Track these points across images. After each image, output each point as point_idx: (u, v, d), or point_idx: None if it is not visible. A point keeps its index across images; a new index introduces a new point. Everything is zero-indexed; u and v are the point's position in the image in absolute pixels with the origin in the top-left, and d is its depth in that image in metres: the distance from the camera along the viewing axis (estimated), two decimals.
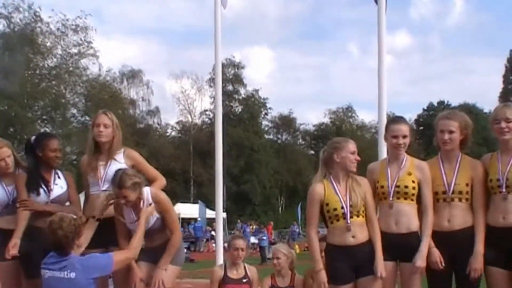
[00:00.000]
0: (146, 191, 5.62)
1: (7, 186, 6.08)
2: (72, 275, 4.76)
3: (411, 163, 5.51)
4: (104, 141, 6.06)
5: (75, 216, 4.87)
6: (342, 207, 5.33)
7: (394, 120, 5.70)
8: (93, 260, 4.97)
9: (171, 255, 5.76)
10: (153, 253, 5.79)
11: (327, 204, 5.38)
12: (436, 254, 5.31)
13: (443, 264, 5.30)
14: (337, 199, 5.35)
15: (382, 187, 5.45)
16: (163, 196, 5.76)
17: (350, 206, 5.32)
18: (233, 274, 6.16)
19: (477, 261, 5.23)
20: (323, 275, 5.31)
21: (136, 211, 5.62)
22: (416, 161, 5.56)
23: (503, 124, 5.29)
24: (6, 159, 6.06)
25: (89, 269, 4.83)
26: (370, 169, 5.70)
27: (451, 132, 5.39)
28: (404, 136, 5.46)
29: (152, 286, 5.63)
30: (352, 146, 5.46)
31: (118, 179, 5.49)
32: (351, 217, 5.32)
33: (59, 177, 6.14)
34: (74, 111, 51.23)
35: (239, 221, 46.90)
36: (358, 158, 5.45)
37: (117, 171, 5.63)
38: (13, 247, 5.69)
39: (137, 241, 5.25)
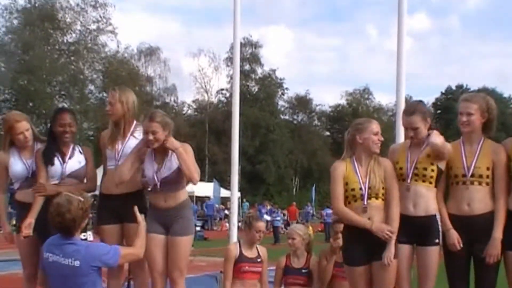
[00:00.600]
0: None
1: (26, 159, 6.18)
2: (77, 263, 4.67)
3: None
4: (113, 120, 6.16)
5: (82, 199, 4.78)
6: (360, 188, 5.31)
7: (406, 110, 5.59)
8: (100, 250, 4.87)
9: (188, 162, 5.78)
10: (163, 217, 5.86)
11: (346, 184, 5.37)
12: (454, 236, 5.29)
13: (461, 245, 5.27)
14: (356, 180, 5.34)
15: (401, 168, 5.43)
16: (188, 146, 5.92)
17: (369, 188, 5.30)
18: (249, 253, 6.17)
19: (494, 247, 5.20)
20: (377, 224, 5.24)
21: (160, 160, 5.79)
22: None
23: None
24: (25, 133, 6.15)
25: (94, 258, 4.73)
26: (391, 150, 5.69)
27: (469, 114, 5.34)
28: (414, 128, 5.39)
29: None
30: (375, 126, 5.43)
31: (150, 113, 5.73)
32: (368, 198, 5.30)
33: (80, 152, 6.21)
34: (92, 87, 51.51)
35: (244, 200, 46.39)
36: (382, 138, 5.43)
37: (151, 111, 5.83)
38: (27, 227, 5.79)
39: (142, 240, 5.18)
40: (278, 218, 31.70)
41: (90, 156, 6.31)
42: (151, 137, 5.70)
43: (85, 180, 6.22)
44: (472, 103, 5.38)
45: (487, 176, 5.33)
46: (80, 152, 6.23)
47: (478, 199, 5.31)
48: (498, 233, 5.22)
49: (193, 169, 5.82)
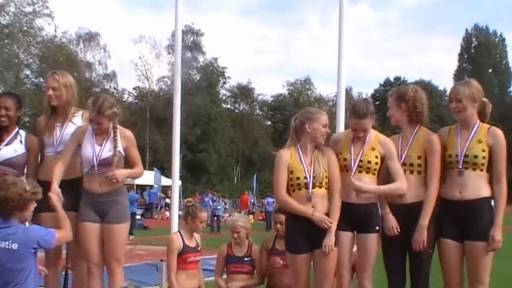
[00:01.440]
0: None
1: None
2: (15, 246, 4.63)
3: (376, 139, 5.56)
4: (54, 104, 6.05)
5: (28, 187, 4.73)
6: (305, 177, 5.36)
7: (357, 113, 5.47)
8: (38, 232, 4.86)
9: (130, 174, 5.99)
10: (98, 204, 5.80)
11: (291, 172, 5.41)
12: (392, 220, 5.41)
13: (399, 231, 5.39)
14: (301, 169, 5.39)
15: (344, 159, 5.50)
16: (130, 132, 6.01)
17: (313, 177, 5.35)
18: (190, 243, 6.19)
19: (419, 233, 5.34)
20: (318, 215, 5.31)
21: (100, 141, 5.78)
22: (380, 137, 5.60)
23: (453, 104, 5.43)
24: None
25: (32, 240, 4.71)
26: (334, 140, 5.73)
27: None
28: (364, 130, 5.47)
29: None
30: (324, 118, 5.48)
31: (100, 104, 5.65)
32: (313, 187, 5.36)
33: (20, 142, 6.00)
34: (28, 72, 50.43)
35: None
36: (329, 131, 5.48)
37: (98, 96, 5.83)
38: None
39: (66, 222, 5.19)
40: (219, 207, 31.76)
41: (34, 145, 6.08)
42: (95, 126, 5.73)
43: (25, 170, 6.06)
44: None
45: (419, 165, 5.47)
46: (21, 141, 6.01)
47: (409, 188, 5.43)
48: (423, 220, 5.35)
49: (137, 172, 6.04)
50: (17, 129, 6.06)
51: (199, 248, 6.24)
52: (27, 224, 5.03)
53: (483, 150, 5.31)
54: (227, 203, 42.63)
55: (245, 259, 6.23)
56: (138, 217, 26.86)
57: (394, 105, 5.60)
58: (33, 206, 4.85)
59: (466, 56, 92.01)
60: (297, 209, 5.36)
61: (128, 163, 6.04)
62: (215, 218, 29.68)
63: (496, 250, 5.23)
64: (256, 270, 6.22)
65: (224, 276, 6.38)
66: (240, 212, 33.75)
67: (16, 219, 4.77)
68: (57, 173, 5.69)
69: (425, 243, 5.35)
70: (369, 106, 5.58)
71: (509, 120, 63.08)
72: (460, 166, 5.33)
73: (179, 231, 6.35)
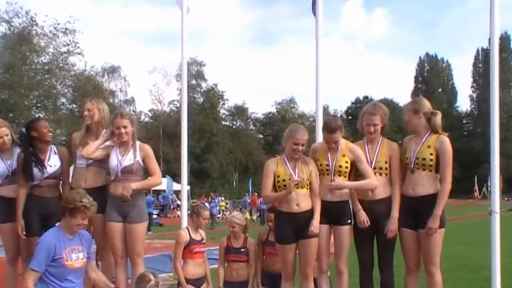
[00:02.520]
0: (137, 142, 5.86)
1: (6, 160, 5.98)
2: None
3: (346, 146, 5.51)
4: (89, 123, 6.08)
5: (83, 200, 4.66)
6: (290, 179, 5.29)
7: (328, 128, 5.41)
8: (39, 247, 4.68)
9: (146, 185, 5.97)
10: (120, 206, 5.73)
11: (278, 176, 5.36)
12: (363, 215, 5.39)
13: (369, 223, 5.38)
14: (287, 173, 5.33)
15: (321, 165, 5.46)
16: (148, 147, 5.96)
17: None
18: (196, 236, 6.11)
19: (392, 224, 5.34)
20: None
21: (123, 152, 5.77)
22: (350, 145, 5.55)
23: (404, 119, 5.52)
24: (4, 137, 5.98)
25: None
26: (312, 149, 5.68)
27: (375, 125, 5.47)
28: (335, 141, 5.42)
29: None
30: (299, 138, 5.33)
31: (120, 111, 5.81)
32: (296, 188, 5.30)
33: (54, 153, 5.99)
34: (64, 100, 50.57)
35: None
36: (300, 149, 5.35)
37: (116, 111, 5.94)
38: (21, 230, 5.81)
39: None
40: (216, 207, 31.75)
41: (65, 155, 6.08)
42: (122, 130, 5.72)
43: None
44: (376, 115, 5.48)
45: (386, 168, 5.45)
46: (55, 152, 6.01)
47: (379, 187, 5.42)
48: (395, 212, 5.36)
49: (152, 182, 5.98)
50: (50, 145, 6.04)
51: (203, 241, 6.16)
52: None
53: (431, 154, 5.28)
54: (228, 203, 42.40)
55: (242, 250, 6.14)
56: (154, 216, 26.66)
57: (380, 120, 5.52)
58: (81, 219, 4.69)
59: (420, 78, 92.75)
60: (278, 196, 5.35)
61: (147, 173, 5.99)
62: (211, 215, 29.48)
63: (430, 235, 5.18)
64: (250, 260, 6.14)
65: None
66: (240, 210, 33.72)
67: (64, 223, 4.71)
68: None
69: (397, 231, 5.35)
70: (338, 121, 5.50)
71: (456, 130, 63.33)
72: (412, 167, 5.32)
73: (187, 227, 6.29)
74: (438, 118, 5.41)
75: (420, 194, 5.29)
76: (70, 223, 4.69)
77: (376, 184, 5.38)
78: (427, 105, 5.47)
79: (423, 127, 5.40)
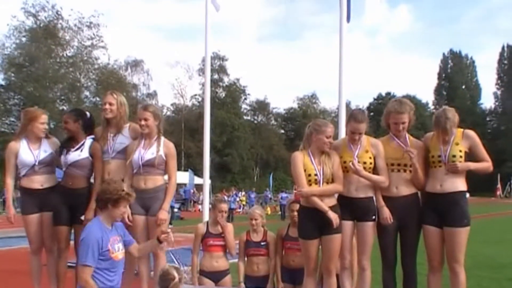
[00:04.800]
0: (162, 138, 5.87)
1: (34, 150, 6.00)
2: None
3: (367, 142, 5.48)
4: (110, 117, 6.05)
5: (125, 189, 4.73)
6: (316, 174, 5.27)
7: (356, 118, 5.40)
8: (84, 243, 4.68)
9: (170, 196, 5.89)
10: (142, 199, 5.72)
11: (304, 170, 5.31)
12: (387, 212, 5.36)
13: (392, 220, 5.34)
14: (313, 168, 5.29)
15: (344, 162, 5.40)
16: (172, 145, 5.96)
17: (322, 174, 5.27)
18: (214, 230, 6.07)
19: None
20: (333, 215, 5.19)
21: (146, 146, 5.77)
22: (371, 140, 5.52)
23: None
24: (45, 124, 6.07)
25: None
26: (334, 146, 5.60)
27: (403, 123, 5.43)
28: (360, 133, 5.40)
29: (157, 226, 5.65)
30: (330, 130, 5.35)
31: (145, 104, 5.69)
32: (322, 183, 5.28)
33: (84, 148, 5.98)
34: (87, 93, 51.19)
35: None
36: (332, 141, 5.38)
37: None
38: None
39: None
40: (234, 201, 31.79)
41: (97, 151, 5.99)
42: (143, 122, 5.73)
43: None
44: (404, 114, 5.42)
45: (410, 165, 5.38)
46: (85, 148, 5.99)
47: (403, 183, 5.42)
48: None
49: (172, 189, 5.95)
50: (84, 139, 6.05)
51: (222, 235, 6.04)
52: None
53: (460, 151, 5.26)
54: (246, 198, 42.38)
55: (262, 243, 6.11)
56: (175, 210, 26.76)
57: (408, 117, 5.49)
58: (124, 207, 4.76)
59: (443, 75, 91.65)
60: (319, 205, 5.21)
61: (165, 170, 5.97)
62: (229, 210, 29.43)
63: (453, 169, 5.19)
64: (270, 253, 6.12)
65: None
66: (260, 205, 33.69)
67: (106, 214, 4.71)
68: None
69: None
70: (365, 114, 5.55)
71: (479, 128, 62.51)
72: (445, 164, 5.27)
73: (207, 221, 6.28)
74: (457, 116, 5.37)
75: (449, 190, 5.24)
76: (113, 214, 4.71)
77: (387, 184, 5.37)
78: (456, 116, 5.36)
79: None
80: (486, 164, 5.34)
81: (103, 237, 4.61)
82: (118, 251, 4.73)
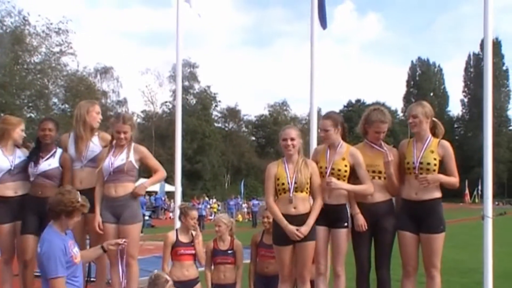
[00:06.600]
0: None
1: (8, 156, 5.95)
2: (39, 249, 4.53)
3: (347, 150, 5.50)
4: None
5: (79, 200, 4.61)
6: (288, 183, 5.28)
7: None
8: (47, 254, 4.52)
9: (156, 180, 6.08)
10: (114, 207, 5.70)
11: (278, 179, 5.34)
12: (361, 219, 5.39)
13: (366, 227, 5.37)
14: (285, 176, 5.31)
15: (320, 167, 5.45)
16: (144, 148, 5.99)
17: (295, 183, 5.27)
18: (184, 238, 6.00)
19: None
20: (290, 228, 5.22)
21: (117, 153, 5.75)
22: (351, 149, 5.52)
23: (411, 120, 5.45)
24: (22, 132, 6.10)
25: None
26: (314, 151, 5.69)
27: (384, 132, 5.57)
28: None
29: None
30: (283, 133, 5.44)
31: (123, 115, 5.85)
32: (294, 191, 5.28)
33: (54, 158, 5.96)
34: (56, 100, 50.49)
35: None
36: (289, 143, 5.36)
37: (119, 112, 5.90)
38: None
39: None
40: (202, 208, 31.71)
41: (68, 162, 5.99)
42: (122, 136, 5.70)
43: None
44: (386, 123, 5.55)
45: (383, 172, 5.46)
46: (56, 157, 5.99)
47: (378, 190, 5.46)
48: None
49: (159, 177, 6.05)
50: (55, 148, 6.04)
51: (192, 244, 5.98)
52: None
53: (435, 159, 5.32)
54: (219, 205, 42.26)
55: (229, 251, 6.07)
56: (146, 217, 26.62)
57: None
58: (78, 217, 4.68)
59: (412, 82, 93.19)
60: (278, 218, 5.29)
61: (150, 171, 6.03)
62: (200, 217, 29.37)
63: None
64: (237, 261, 6.08)
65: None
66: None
67: (59, 223, 4.60)
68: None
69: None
70: (335, 114, 5.74)
71: (447, 134, 63.29)
72: (416, 171, 5.32)
73: (177, 229, 6.20)
74: (442, 126, 5.52)
75: (424, 198, 5.30)
76: (67, 223, 4.63)
77: (372, 190, 5.39)
78: (432, 110, 5.57)
79: (426, 131, 5.44)
80: (454, 180, 5.39)
81: (65, 244, 4.54)
82: (77, 254, 4.69)
